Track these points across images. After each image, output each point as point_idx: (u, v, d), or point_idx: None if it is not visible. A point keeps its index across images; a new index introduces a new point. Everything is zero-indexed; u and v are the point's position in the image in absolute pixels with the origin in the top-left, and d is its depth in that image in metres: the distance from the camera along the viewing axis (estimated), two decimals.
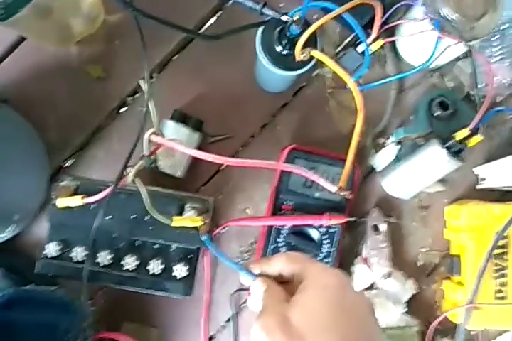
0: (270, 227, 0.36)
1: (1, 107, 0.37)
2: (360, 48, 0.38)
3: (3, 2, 0.28)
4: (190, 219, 0.29)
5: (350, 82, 0.30)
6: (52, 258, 0.32)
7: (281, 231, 0.35)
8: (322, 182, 0.29)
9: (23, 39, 0.41)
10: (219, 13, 0.41)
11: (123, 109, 0.41)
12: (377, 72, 0.41)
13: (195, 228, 0.30)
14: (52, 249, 0.31)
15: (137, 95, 0.41)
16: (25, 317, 0.33)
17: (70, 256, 0.31)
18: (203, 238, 0.30)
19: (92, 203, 0.30)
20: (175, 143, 0.29)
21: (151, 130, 0.30)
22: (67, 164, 0.41)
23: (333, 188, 0.29)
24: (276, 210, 0.36)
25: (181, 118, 0.38)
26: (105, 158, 0.40)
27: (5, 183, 0.35)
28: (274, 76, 0.34)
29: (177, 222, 0.29)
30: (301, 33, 0.29)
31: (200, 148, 0.39)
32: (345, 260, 0.38)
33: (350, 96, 0.39)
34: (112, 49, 0.41)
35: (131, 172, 0.28)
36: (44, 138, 0.39)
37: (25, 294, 0.35)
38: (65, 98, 0.41)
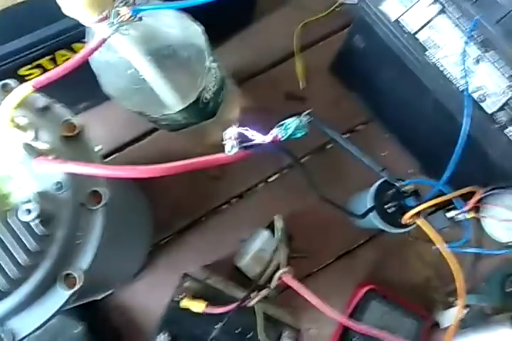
0: None
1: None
2: (449, 214, 0.42)
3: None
4: None
5: (446, 251, 0.34)
6: None
7: None
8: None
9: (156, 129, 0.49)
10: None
11: (224, 206, 0.47)
12: (456, 232, 0.45)
13: None
14: (163, 338, 0.35)
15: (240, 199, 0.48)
16: None
17: None
18: None
19: None
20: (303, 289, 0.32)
21: (285, 269, 0.34)
22: (162, 242, 0.46)
23: None
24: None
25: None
26: (198, 246, 0.45)
27: (115, 252, 0.40)
28: (370, 222, 0.39)
29: None
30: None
31: None
32: None
33: (429, 249, 0.43)
34: None
35: (255, 298, 0.32)
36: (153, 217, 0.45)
37: None
38: (181, 187, 0.47)
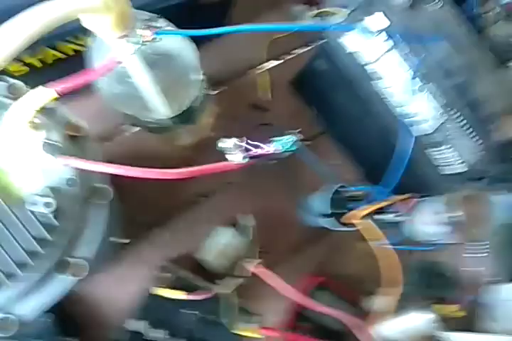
0: None
1: None
2: (385, 216, 0.50)
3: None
4: (256, 331, 0.37)
5: (390, 248, 0.41)
6: (138, 333, 0.38)
7: None
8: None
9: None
10: None
11: (191, 204, 0.51)
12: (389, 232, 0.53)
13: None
14: (140, 326, 0.37)
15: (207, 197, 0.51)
16: None
17: (153, 335, 0.37)
18: None
19: None
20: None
21: (258, 260, 0.39)
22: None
23: None
24: (292, 329, 0.44)
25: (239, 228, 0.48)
26: (165, 242, 0.48)
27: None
28: (322, 219, 0.45)
29: (248, 332, 0.37)
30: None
31: None
32: None
33: (368, 246, 0.50)
34: (198, 155, 0.52)
35: (230, 287, 0.36)
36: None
37: None
38: (149, 184, 0.49)
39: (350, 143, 0.54)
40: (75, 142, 0.29)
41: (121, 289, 0.44)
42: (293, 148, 0.25)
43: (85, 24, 0.25)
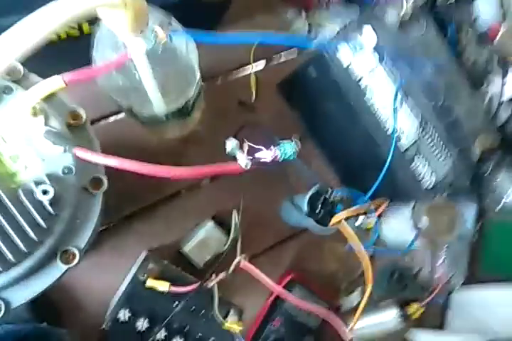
0: (258, 334, 0.45)
1: None
2: (359, 220, 0.53)
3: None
4: (236, 323, 0.39)
5: (362, 251, 0.43)
6: (122, 322, 0.38)
7: None
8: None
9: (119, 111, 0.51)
10: None
11: (173, 196, 0.51)
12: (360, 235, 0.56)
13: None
14: (124, 314, 0.38)
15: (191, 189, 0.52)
16: None
17: (136, 324, 0.38)
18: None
19: None
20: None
21: (243, 255, 0.41)
22: (103, 227, 0.48)
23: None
24: (268, 321, 0.46)
25: (220, 222, 0.49)
26: (144, 232, 0.49)
27: None
28: (300, 220, 0.47)
29: (229, 324, 0.39)
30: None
31: None
32: None
33: (340, 246, 0.53)
34: (185, 149, 0.52)
35: (214, 279, 0.38)
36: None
37: (42, 332, 0.39)
38: (132, 175, 0.50)
39: (330, 147, 0.56)
40: (74, 130, 0.30)
41: (101, 277, 0.44)
42: (293, 157, 0.27)
43: (102, 19, 0.26)
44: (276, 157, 0.26)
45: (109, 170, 0.49)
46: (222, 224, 0.49)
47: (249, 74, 0.57)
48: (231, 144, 0.27)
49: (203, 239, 0.47)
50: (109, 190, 0.49)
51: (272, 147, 0.26)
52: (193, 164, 0.51)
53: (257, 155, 0.26)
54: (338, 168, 0.56)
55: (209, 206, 0.48)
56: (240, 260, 0.39)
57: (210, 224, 0.48)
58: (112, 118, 0.51)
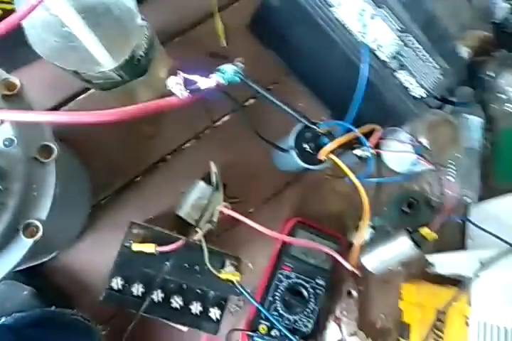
0: (270, 282, 0.44)
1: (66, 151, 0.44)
2: (355, 151, 0.50)
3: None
4: (232, 273, 0.38)
5: (356, 181, 0.41)
6: (116, 290, 0.38)
7: (279, 287, 0.44)
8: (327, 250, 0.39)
9: (87, 89, 0.49)
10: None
11: (160, 163, 0.50)
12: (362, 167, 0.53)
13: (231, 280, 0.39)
14: (117, 282, 0.37)
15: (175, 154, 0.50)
16: (50, 337, 0.38)
17: (131, 290, 0.38)
18: (240, 289, 0.39)
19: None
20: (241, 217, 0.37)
21: (224, 203, 0.39)
22: (102, 202, 0.47)
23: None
24: (277, 269, 0.45)
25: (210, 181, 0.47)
26: (137, 203, 0.48)
27: (56, 217, 0.41)
28: (292, 163, 0.45)
29: (224, 275, 0.38)
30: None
31: None
32: (322, 316, 0.46)
33: (342, 184, 0.51)
34: (166, 114, 0.50)
35: (200, 232, 0.36)
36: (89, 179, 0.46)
37: (51, 315, 0.39)
38: (115, 148, 0.48)
39: (314, 81, 0.52)
40: (11, 100, 0.28)
41: (104, 254, 0.44)
42: (236, 79, 0.24)
43: None
44: (218, 81, 0.23)
45: (91, 147, 0.49)
46: (213, 181, 0.47)
47: (214, 22, 0.53)
48: (171, 81, 0.24)
49: (197, 200, 0.45)
50: (95, 166, 0.49)
51: (210, 74, 0.23)
52: (168, 126, 0.50)
53: (198, 84, 0.23)
54: (326, 101, 0.53)
55: (196, 167, 0.46)
56: (222, 208, 0.38)
57: (200, 184, 0.46)
58: (82, 96, 0.49)
